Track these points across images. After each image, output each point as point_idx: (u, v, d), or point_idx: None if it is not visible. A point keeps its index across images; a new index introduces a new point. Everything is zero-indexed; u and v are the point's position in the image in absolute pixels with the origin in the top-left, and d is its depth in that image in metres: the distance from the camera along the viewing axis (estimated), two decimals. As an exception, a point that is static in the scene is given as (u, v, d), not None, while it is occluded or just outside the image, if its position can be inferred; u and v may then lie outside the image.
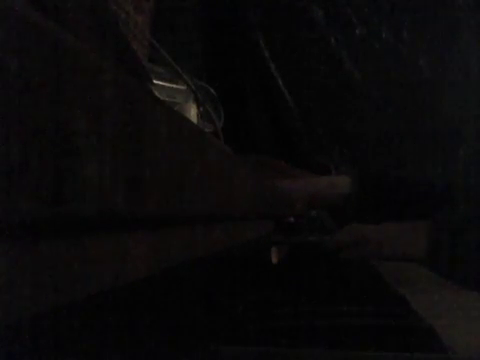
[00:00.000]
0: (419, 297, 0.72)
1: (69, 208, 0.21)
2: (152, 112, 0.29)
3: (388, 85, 1.91)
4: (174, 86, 1.10)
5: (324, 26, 1.94)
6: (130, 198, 0.26)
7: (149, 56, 1.10)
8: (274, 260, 1.12)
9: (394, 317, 0.58)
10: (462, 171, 1.77)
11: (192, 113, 1.14)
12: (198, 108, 1.16)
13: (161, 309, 0.37)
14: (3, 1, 0.17)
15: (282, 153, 1.89)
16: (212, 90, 1.23)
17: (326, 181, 1.43)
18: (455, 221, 1.10)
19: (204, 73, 1.83)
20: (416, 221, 1.15)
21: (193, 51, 1.89)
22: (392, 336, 0.50)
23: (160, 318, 0.36)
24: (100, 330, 0.27)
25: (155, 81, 0.99)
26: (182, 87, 1.12)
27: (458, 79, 1.86)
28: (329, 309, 0.62)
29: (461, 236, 1.06)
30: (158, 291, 0.35)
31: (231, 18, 1.99)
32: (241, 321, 0.57)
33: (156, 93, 0.91)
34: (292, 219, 1.37)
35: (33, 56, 0.18)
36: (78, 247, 0.23)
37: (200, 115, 1.16)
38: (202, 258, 0.44)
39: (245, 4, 1.97)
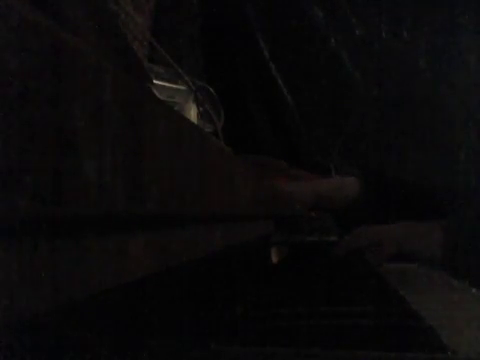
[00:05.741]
0: (419, 297, 0.72)
1: (69, 208, 0.21)
2: (152, 112, 0.29)
3: (388, 85, 1.91)
4: (174, 86, 1.10)
5: (324, 26, 1.94)
6: (130, 198, 0.26)
7: (149, 56, 1.10)
8: (274, 260, 1.12)
9: (394, 317, 0.58)
10: (462, 171, 1.77)
11: (192, 113, 1.14)
12: (198, 108, 1.16)
13: (161, 309, 0.37)
14: (3, 1, 0.17)
15: (282, 153, 1.89)
16: (212, 90, 1.23)
17: (334, 183, 1.43)
18: (471, 222, 1.09)
19: (204, 73, 1.83)
20: (431, 222, 1.15)
21: (193, 51, 1.89)
22: (392, 336, 0.50)
23: (160, 318, 0.36)
24: (100, 330, 0.27)
25: (155, 81, 0.99)
26: (182, 87, 1.12)
27: (458, 79, 1.86)
28: (329, 309, 0.62)
29: (474, 239, 1.06)
30: (158, 291, 0.35)
31: (231, 18, 1.99)
32: (241, 321, 0.57)
33: (156, 93, 0.91)
34: (292, 219, 1.37)
35: (33, 56, 0.18)
36: (78, 247, 0.23)
37: (200, 115, 1.16)
38: (202, 258, 0.44)
39: (245, 4, 1.97)
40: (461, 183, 1.46)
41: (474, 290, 0.78)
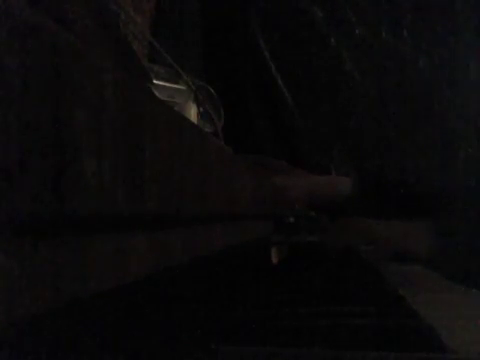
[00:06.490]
0: (419, 297, 0.72)
1: (69, 208, 0.21)
2: (152, 112, 0.29)
3: (388, 85, 1.90)
4: (174, 86, 1.10)
5: (324, 26, 1.94)
6: (130, 198, 0.26)
7: (149, 56, 1.10)
8: (274, 260, 1.12)
9: (394, 317, 0.58)
10: (462, 171, 1.77)
11: (192, 113, 1.13)
12: (198, 108, 1.16)
13: (161, 309, 0.37)
14: (3, 1, 0.17)
15: (282, 153, 1.89)
16: (212, 90, 1.23)
17: (326, 180, 1.43)
18: (456, 221, 1.10)
19: (204, 73, 1.83)
20: (419, 221, 1.16)
21: (193, 51, 1.89)
22: (392, 336, 0.50)
23: (160, 318, 0.36)
24: (100, 330, 0.27)
25: (155, 81, 0.99)
26: (182, 87, 1.12)
27: (458, 79, 1.86)
28: (329, 309, 0.62)
29: (462, 236, 1.06)
30: (158, 291, 0.35)
31: (231, 18, 1.99)
32: (241, 321, 0.57)
33: (156, 93, 0.91)
34: (292, 219, 1.37)
35: (33, 56, 0.18)
36: (78, 247, 0.23)
37: (200, 115, 1.16)
38: (202, 258, 0.44)
39: (245, 4, 1.97)
40: (453, 184, 1.46)
41: (474, 290, 0.78)
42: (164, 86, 1.07)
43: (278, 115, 1.98)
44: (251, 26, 1.96)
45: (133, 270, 0.29)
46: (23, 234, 0.19)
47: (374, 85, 1.91)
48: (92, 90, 0.22)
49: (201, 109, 1.16)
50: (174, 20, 1.79)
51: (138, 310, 0.32)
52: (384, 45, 1.91)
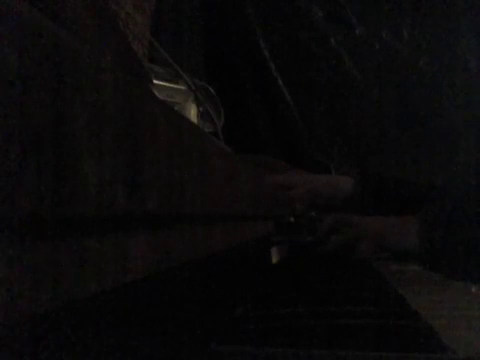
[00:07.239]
0: (419, 297, 0.72)
1: (69, 208, 0.21)
2: (152, 112, 0.29)
3: (388, 85, 1.91)
4: (174, 86, 1.10)
5: (324, 26, 1.94)
6: (130, 198, 0.26)
7: (149, 56, 1.10)
8: (274, 260, 1.12)
9: (394, 317, 0.58)
10: (462, 171, 1.77)
11: (192, 113, 1.14)
12: (198, 108, 1.16)
13: (161, 309, 0.37)
14: (3, 1, 0.17)
15: (282, 153, 1.90)
16: (212, 90, 1.23)
17: (326, 180, 1.43)
18: (446, 213, 1.10)
19: (204, 73, 1.84)
20: (406, 215, 1.16)
21: (193, 51, 1.90)
22: (392, 336, 0.50)
23: (160, 318, 0.36)
24: (100, 330, 0.27)
25: (155, 81, 0.99)
26: (182, 87, 1.12)
27: (458, 79, 1.86)
28: (329, 309, 0.62)
29: (449, 230, 1.07)
30: (158, 291, 0.35)
31: (231, 18, 1.99)
32: (241, 321, 0.57)
33: (156, 93, 0.91)
34: (292, 219, 1.37)
35: (33, 56, 0.18)
36: (78, 247, 0.23)
37: (200, 115, 1.17)
38: (202, 258, 0.44)
39: (245, 4, 1.97)
40: (453, 183, 1.47)
41: (474, 290, 0.79)
42: (164, 86, 1.07)
43: (278, 115, 1.98)
44: (251, 26, 1.96)
45: (133, 270, 0.29)
46: (23, 234, 0.19)
47: (374, 85, 1.91)
48: (92, 90, 0.22)
49: (201, 109, 1.16)
50: (174, 20, 1.79)
51: (138, 310, 0.32)
52: (384, 45, 1.92)
